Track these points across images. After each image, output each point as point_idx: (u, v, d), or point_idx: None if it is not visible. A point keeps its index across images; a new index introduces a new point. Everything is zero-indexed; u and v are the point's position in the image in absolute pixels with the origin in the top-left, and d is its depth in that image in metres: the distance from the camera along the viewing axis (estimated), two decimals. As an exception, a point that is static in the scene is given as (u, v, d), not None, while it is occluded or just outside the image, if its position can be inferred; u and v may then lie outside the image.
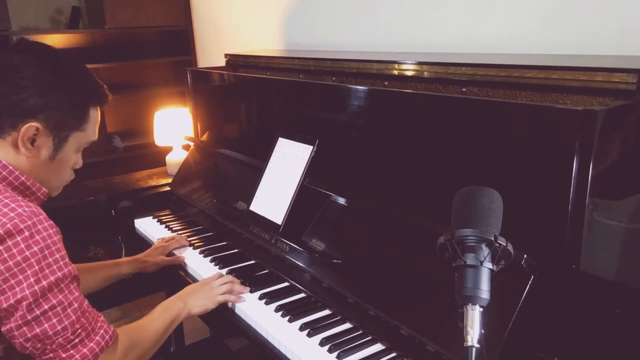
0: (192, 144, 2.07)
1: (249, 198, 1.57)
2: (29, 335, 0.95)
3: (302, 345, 1.13)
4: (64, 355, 0.98)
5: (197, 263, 1.54)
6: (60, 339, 0.97)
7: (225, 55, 2.13)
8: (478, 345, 0.73)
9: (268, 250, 1.47)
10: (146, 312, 1.26)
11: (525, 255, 0.90)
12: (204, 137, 2.05)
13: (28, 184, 1.08)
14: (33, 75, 1.05)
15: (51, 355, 0.98)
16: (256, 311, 1.26)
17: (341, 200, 1.36)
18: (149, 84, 3.19)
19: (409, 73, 1.34)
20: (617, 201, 0.99)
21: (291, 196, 1.43)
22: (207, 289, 1.31)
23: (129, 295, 2.34)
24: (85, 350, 0.99)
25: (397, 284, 1.12)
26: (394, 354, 1.08)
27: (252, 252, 1.54)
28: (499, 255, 0.78)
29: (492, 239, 0.77)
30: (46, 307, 0.96)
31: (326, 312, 1.24)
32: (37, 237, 0.96)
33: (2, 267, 0.93)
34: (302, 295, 1.32)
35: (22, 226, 0.95)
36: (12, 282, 0.94)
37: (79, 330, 0.99)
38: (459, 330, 0.76)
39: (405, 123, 1.21)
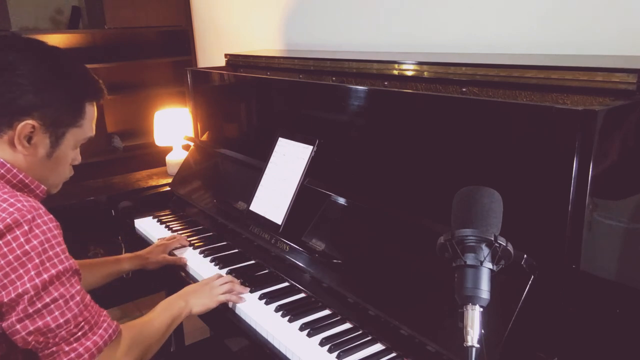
0: (192, 144, 2.07)
1: (249, 198, 1.57)
2: (31, 328, 0.95)
3: (302, 345, 1.13)
4: (67, 349, 0.97)
5: (197, 263, 1.54)
6: (63, 332, 0.97)
7: (225, 55, 2.13)
8: (478, 345, 0.73)
9: (268, 250, 1.47)
10: (146, 312, 1.26)
11: (525, 255, 0.90)
12: (204, 137, 2.05)
13: (27, 181, 1.08)
14: (28, 72, 1.04)
15: (54, 349, 0.97)
16: (256, 311, 1.26)
17: (341, 200, 1.36)
18: (149, 84, 3.19)
19: (409, 73, 1.34)
20: (617, 201, 0.99)
21: (291, 196, 1.43)
22: (208, 289, 1.31)
23: (129, 295, 2.34)
24: (88, 343, 0.99)
25: (397, 284, 1.12)
26: (394, 354, 1.08)
27: (252, 252, 1.54)
28: (499, 255, 0.78)
29: (492, 239, 0.77)
30: (48, 299, 0.95)
31: (326, 312, 1.24)
32: (37, 231, 0.96)
33: (2, 262, 0.93)
34: (302, 295, 1.32)
35: (21, 220, 0.94)
36: (13, 276, 0.93)
37: (82, 324, 0.99)
38: (459, 330, 0.76)
39: (405, 123, 1.21)
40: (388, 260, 1.18)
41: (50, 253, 0.97)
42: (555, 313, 0.92)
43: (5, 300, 0.93)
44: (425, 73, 1.31)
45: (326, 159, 1.42)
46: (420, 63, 1.32)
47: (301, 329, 1.18)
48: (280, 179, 1.49)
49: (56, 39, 2.91)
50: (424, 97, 1.21)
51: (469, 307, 0.75)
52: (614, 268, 1.01)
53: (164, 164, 2.38)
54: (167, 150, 2.39)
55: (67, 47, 2.93)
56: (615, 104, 0.91)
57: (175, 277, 1.55)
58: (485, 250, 0.78)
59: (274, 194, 1.49)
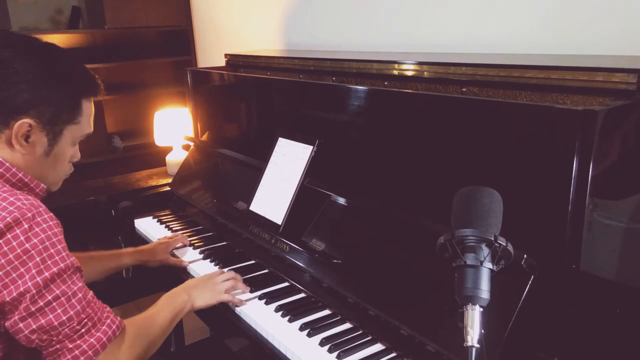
0: (192, 144, 2.07)
1: (249, 198, 1.57)
2: (34, 326, 0.95)
3: (302, 345, 1.13)
4: (70, 346, 0.97)
5: (197, 263, 1.54)
6: (66, 329, 0.96)
7: (225, 55, 2.13)
8: (478, 345, 0.73)
9: (268, 250, 1.47)
10: (146, 311, 1.25)
11: (525, 255, 0.90)
12: (204, 137, 2.05)
13: (26, 180, 1.07)
14: (23, 70, 1.03)
15: (58, 346, 0.97)
16: (256, 311, 1.26)
17: (341, 200, 1.36)
18: (149, 84, 3.19)
19: (409, 73, 1.34)
20: (617, 201, 0.99)
21: (291, 196, 1.43)
22: (211, 284, 1.31)
23: (129, 295, 2.34)
24: (92, 340, 0.98)
25: (397, 284, 1.12)
26: (394, 354, 1.08)
27: (252, 252, 1.54)
28: (499, 255, 0.78)
29: (492, 239, 0.77)
30: (50, 297, 0.95)
31: (326, 312, 1.24)
32: (37, 229, 0.96)
33: (3, 261, 0.93)
34: (302, 295, 1.32)
35: (21, 219, 0.94)
36: (14, 275, 0.93)
37: (85, 320, 0.98)
38: (459, 330, 0.76)
39: (405, 123, 1.21)
40: (388, 260, 1.18)
41: (52, 251, 0.96)
42: (555, 313, 0.92)
43: (7, 299, 0.93)
44: (425, 73, 1.31)
45: (326, 159, 1.42)
46: (420, 63, 1.32)
47: (301, 329, 1.17)
48: (280, 179, 1.49)
49: (56, 39, 2.89)
50: (424, 97, 1.21)
51: (469, 307, 0.76)
52: (614, 268, 1.01)
53: (164, 164, 2.38)
54: (167, 150, 2.39)
55: (67, 47, 2.93)
56: (615, 104, 0.91)
57: (175, 277, 1.55)
58: (485, 250, 0.78)
59: (274, 194, 1.49)
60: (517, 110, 0.98)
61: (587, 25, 1.29)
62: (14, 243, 0.93)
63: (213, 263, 1.53)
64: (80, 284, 1.00)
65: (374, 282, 1.17)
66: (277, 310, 1.25)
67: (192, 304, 1.26)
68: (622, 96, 0.95)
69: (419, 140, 1.17)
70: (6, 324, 0.96)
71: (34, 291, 0.94)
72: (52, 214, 1.00)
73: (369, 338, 1.13)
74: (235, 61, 2.08)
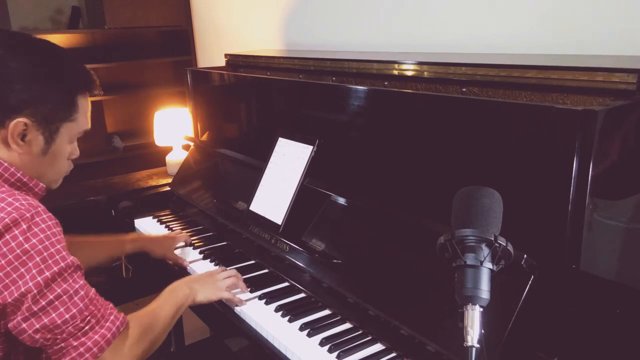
0: (192, 144, 2.07)
1: (249, 198, 1.57)
2: (38, 326, 0.95)
3: (302, 345, 1.13)
4: (75, 344, 0.97)
5: (197, 263, 1.54)
6: (70, 328, 0.96)
7: (225, 55, 2.13)
8: (478, 345, 0.73)
9: (268, 250, 1.47)
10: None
11: (525, 255, 0.90)
12: (204, 137, 2.05)
13: (24, 180, 1.07)
14: (16, 68, 1.02)
15: (62, 344, 0.96)
16: (256, 311, 1.26)
17: (341, 200, 1.36)
18: (149, 84, 3.19)
19: (409, 73, 1.34)
20: (617, 201, 0.99)
21: (291, 196, 1.43)
22: (212, 280, 1.31)
23: (129, 295, 2.34)
24: (96, 337, 0.98)
25: (397, 284, 1.12)
26: (394, 354, 1.08)
27: (252, 252, 1.54)
28: (499, 255, 0.78)
29: (492, 239, 0.77)
30: (51, 296, 0.95)
31: (326, 312, 1.24)
32: (36, 230, 0.95)
33: (3, 262, 0.92)
34: (302, 295, 1.32)
35: (20, 219, 0.94)
36: (15, 275, 0.93)
37: (88, 318, 0.98)
38: (459, 330, 0.76)
39: (405, 123, 1.21)
40: (388, 260, 1.18)
41: (52, 250, 0.96)
42: (555, 313, 0.92)
43: (9, 300, 0.93)
44: (425, 73, 1.31)
45: (326, 159, 1.42)
46: (420, 63, 1.32)
47: (301, 329, 1.17)
48: (280, 179, 1.49)
49: (56, 39, 2.88)
50: (424, 97, 1.21)
51: (469, 307, 0.75)
52: (614, 268, 1.01)
53: (164, 164, 2.38)
54: (167, 150, 2.39)
55: (67, 47, 2.92)
56: (615, 104, 0.91)
57: (175, 277, 1.54)
58: (485, 250, 0.78)
59: (274, 194, 1.49)
60: (517, 110, 0.98)
61: (587, 25, 1.29)
62: (13, 244, 0.93)
63: (213, 263, 1.53)
64: (81, 282, 1.00)
65: (374, 282, 1.17)
66: (277, 310, 1.25)
67: (194, 297, 1.25)
68: (622, 96, 0.95)
69: (419, 140, 1.17)
70: (9, 325, 0.96)
71: (35, 291, 0.94)
72: (50, 214, 1.00)
73: (369, 338, 1.13)
74: (235, 61, 2.08)
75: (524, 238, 0.89)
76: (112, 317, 1.02)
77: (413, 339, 1.05)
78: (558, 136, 0.89)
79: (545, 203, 0.92)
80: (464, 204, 0.82)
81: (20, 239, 0.94)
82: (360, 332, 1.15)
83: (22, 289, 0.93)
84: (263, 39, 2.44)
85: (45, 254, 0.95)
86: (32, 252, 0.94)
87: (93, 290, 1.02)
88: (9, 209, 0.95)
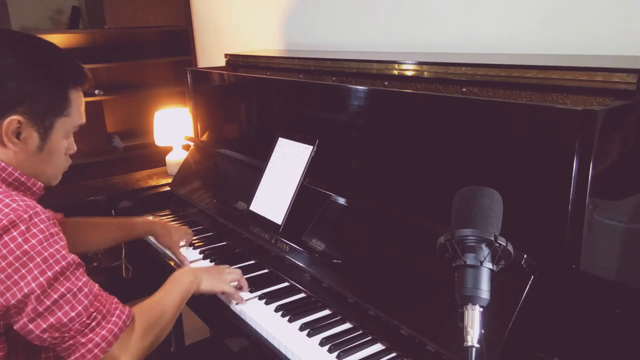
0: (192, 144, 2.07)
1: (249, 198, 1.57)
2: (44, 326, 0.95)
3: (302, 345, 1.13)
4: (83, 340, 0.97)
5: (197, 263, 1.54)
6: (76, 325, 0.96)
7: (225, 55, 2.13)
8: (478, 345, 0.73)
9: (268, 250, 1.47)
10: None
11: (525, 255, 0.90)
12: (204, 137, 2.05)
13: (22, 179, 1.06)
14: (7, 66, 1.01)
15: (71, 342, 0.97)
16: (256, 311, 1.26)
17: (341, 200, 1.36)
18: (149, 84, 3.19)
19: (409, 73, 1.34)
20: (617, 201, 0.99)
21: (291, 196, 1.43)
22: (217, 271, 1.31)
23: (129, 295, 2.34)
24: (104, 332, 0.98)
25: (397, 284, 1.12)
26: (394, 354, 1.08)
27: (252, 252, 1.54)
28: (499, 255, 0.78)
29: (492, 239, 0.77)
30: (55, 296, 0.95)
31: (326, 312, 1.24)
32: (34, 230, 0.95)
33: (3, 264, 0.92)
34: (302, 295, 1.32)
35: (17, 221, 0.94)
36: (16, 277, 0.93)
37: (94, 314, 0.98)
38: (459, 330, 0.76)
39: (405, 123, 1.21)
40: (388, 260, 1.18)
41: (52, 250, 0.96)
42: (555, 313, 0.92)
43: (13, 302, 0.93)
44: (425, 73, 1.31)
45: (326, 159, 1.42)
46: (420, 63, 1.32)
47: (301, 329, 1.18)
48: (280, 179, 1.49)
49: (56, 39, 2.90)
50: (424, 97, 1.21)
51: (469, 307, 0.75)
52: (614, 268, 1.01)
53: (164, 164, 2.38)
54: (167, 150, 2.39)
55: (67, 47, 2.94)
56: (615, 104, 0.91)
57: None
58: (485, 250, 0.78)
59: (274, 194, 1.49)
60: (517, 110, 0.98)
61: (587, 25, 1.29)
62: (12, 245, 0.93)
63: (213, 263, 1.53)
64: (84, 279, 1.00)
65: (374, 282, 1.17)
66: (277, 310, 1.25)
67: (198, 284, 1.24)
68: (622, 96, 0.95)
69: (419, 140, 1.17)
70: (15, 327, 0.96)
71: (39, 292, 0.93)
72: (48, 213, 1.00)
73: (369, 338, 1.13)
74: (235, 61, 2.08)
75: (524, 238, 0.89)
76: (117, 312, 1.02)
77: (413, 339, 1.05)
78: (558, 136, 0.89)
79: (545, 203, 0.92)
80: (464, 204, 0.82)
81: (20, 240, 0.93)
82: (360, 332, 1.15)
83: (25, 290, 0.93)
84: (263, 39, 2.44)
85: (45, 254, 0.95)
86: (32, 252, 0.94)
87: (97, 285, 1.02)
88: (6, 210, 0.94)
